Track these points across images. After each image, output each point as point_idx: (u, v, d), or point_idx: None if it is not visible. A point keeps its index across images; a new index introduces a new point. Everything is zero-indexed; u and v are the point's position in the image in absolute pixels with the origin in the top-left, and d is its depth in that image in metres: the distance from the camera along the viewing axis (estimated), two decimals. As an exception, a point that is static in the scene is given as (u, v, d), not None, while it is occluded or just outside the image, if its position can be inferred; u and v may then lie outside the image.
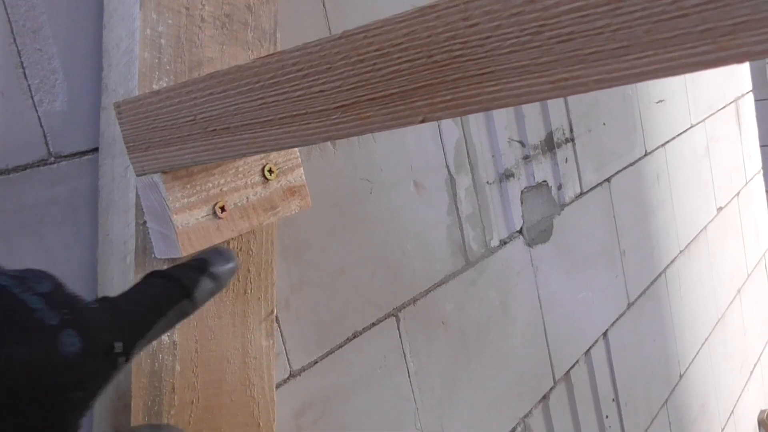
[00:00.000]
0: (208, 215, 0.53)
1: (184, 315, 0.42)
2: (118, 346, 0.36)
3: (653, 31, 0.28)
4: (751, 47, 0.26)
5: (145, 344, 0.39)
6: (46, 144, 0.54)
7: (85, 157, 0.57)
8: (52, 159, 0.54)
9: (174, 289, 0.42)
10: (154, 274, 0.43)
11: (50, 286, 0.34)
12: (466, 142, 1.00)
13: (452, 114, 0.35)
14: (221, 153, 0.46)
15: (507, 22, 0.31)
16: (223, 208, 0.54)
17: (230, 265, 0.47)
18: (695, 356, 1.75)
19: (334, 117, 0.39)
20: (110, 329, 0.36)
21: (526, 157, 1.13)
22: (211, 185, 0.54)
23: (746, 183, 2.22)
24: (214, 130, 0.45)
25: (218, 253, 0.47)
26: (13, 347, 0.31)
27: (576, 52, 0.30)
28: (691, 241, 1.76)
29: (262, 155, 0.58)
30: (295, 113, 0.40)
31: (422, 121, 0.36)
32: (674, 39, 0.27)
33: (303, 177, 0.61)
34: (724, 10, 0.26)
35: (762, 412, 2.18)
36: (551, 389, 1.15)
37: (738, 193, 2.13)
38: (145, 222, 0.53)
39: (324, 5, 0.79)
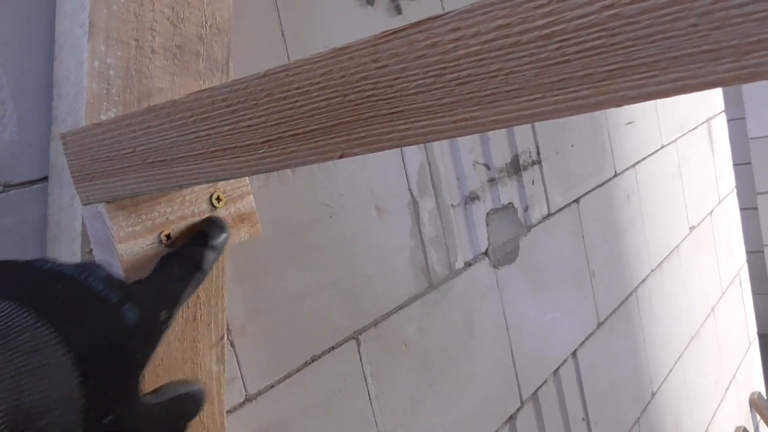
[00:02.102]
0: (153, 243, 0.54)
1: (198, 284, 0.51)
2: (164, 314, 0.45)
3: (541, 75, 0.29)
4: (627, 92, 0.27)
5: (178, 311, 0.48)
6: (-5, 174, 0.55)
7: (35, 186, 0.57)
8: (1, 188, 0.55)
9: (189, 265, 0.50)
10: (168, 257, 0.51)
11: (104, 272, 0.41)
12: (429, 166, 1.01)
13: (368, 150, 0.36)
14: (159, 184, 0.47)
15: (412, 65, 0.32)
16: (168, 236, 0.55)
17: (224, 235, 0.55)
18: (668, 374, 1.76)
19: (260, 151, 0.40)
20: (157, 301, 0.45)
21: (491, 180, 1.15)
22: (157, 214, 0.55)
23: (719, 202, 2.25)
24: (152, 162, 0.46)
25: (213, 224, 0.55)
26: (88, 322, 0.38)
27: (474, 93, 0.31)
28: (663, 260, 1.78)
29: (210, 183, 0.59)
30: (225, 147, 0.42)
31: (341, 156, 0.37)
32: (559, 83, 0.29)
33: (253, 204, 0.62)
34: (601, 57, 0.27)
35: (737, 429, 2.19)
36: (518, 410, 1.16)
37: (711, 212, 2.16)
38: (90, 250, 0.54)
39: (283, 34, 0.81)
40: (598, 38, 0.27)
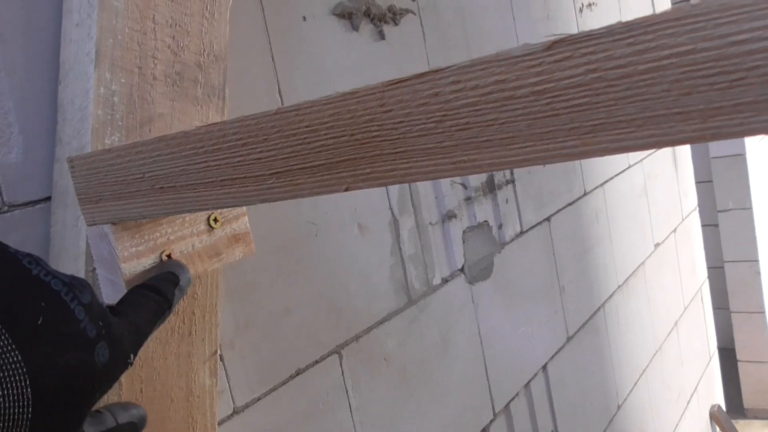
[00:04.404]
0: (155, 263, 0.57)
1: (164, 321, 0.51)
2: (131, 356, 0.43)
3: (533, 126, 0.33)
4: (609, 144, 0.31)
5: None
6: (0, 194, 0.57)
7: (38, 205, 0.60)
8: (6, 208, 0.57)
9: (162, 303, 0.50)
10: (143, 289, 0.50)
11: (89, 297, 0.40)
12: (409, 186, 1.05)
13: (372, 185, 0.39)
14: (167, 209, 0.50)
15: (416, 111, 0.36)
16: (169, 256, 0.57)
17: (188, 277, 0.55)
18: (633, 387, 1.82)
19: (269, 182, 0.43)
20: (129, 342, 0.44)
21: (467, 199, 1.19)
22: (158, 234, 0.57)
23: (683, 220, 2.33)
24: (161, 187, 0.49)
25: (180, 267, 0.55)
26: (60, 354, 0.36)
27: (472, 139, 0.35)
28: (629, 276, 1.85)
29: (209, 205, 0.62)
30: (234, 177, 0.45)
31: (346, 190, 0.40)
32: (549, 134, 0.33)
33: (247, 225, 0.65)
34: (586, 113, 0.31)
35: (699, 440, 2.26)
36: (491, 422, 1.20)
37: (675, 230, 2.24)
38: (94, 269, 0.56)
39: (273, 58, 0.84)
40: (584, 97, 0.31)
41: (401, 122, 0.37)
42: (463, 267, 1.16)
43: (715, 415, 2.40)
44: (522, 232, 1.35)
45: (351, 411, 0.90)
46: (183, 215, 0.60)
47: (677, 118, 0.29)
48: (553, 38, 0.31)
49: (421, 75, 0.35)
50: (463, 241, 1.17)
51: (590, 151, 0.32)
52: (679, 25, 0.28)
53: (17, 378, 0.34)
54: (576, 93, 0.31)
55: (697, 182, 2.82)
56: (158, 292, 0.50)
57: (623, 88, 0.30)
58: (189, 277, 0.55)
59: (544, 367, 1.39)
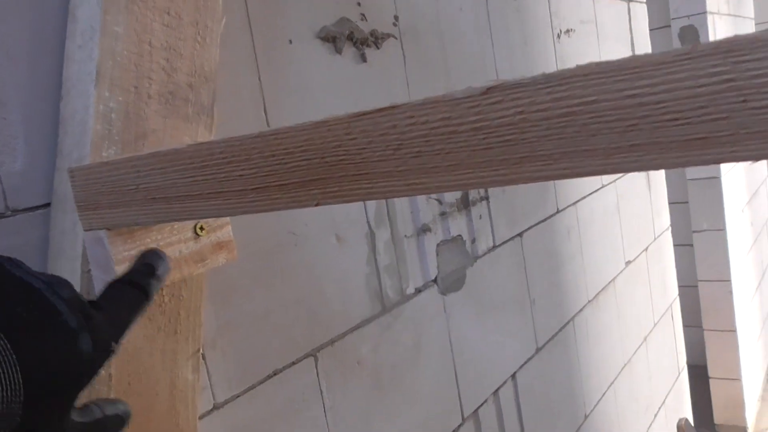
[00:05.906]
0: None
1: (144, 312, 0.53)
2: (113, 345, 0.47)
3: (471, 156, 0.39)
4: (532, 173, 0.38)
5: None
6: (5, 199, 0.62)
7: (38, 211, 0.65)
8: (9, 212, 0.63)
9: (141, 295, 0.52)
10: (119, 283, 0.53)
11: (69, 293, 0.43)
12: (386, 200, 1.11)
13: (339, 201, 0.45)
14: (158, 217, 0.55)
15: (377, 140, 0.42)
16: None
17: (166, 266, 0.58)
18: (601, 398, 1.89)
19: (250, 196, 0.49)
20: (110, 332, 0.47)
21: (442, 214, 1.25)
22: (149, 240, 0.63)
23: (655, 239, 2.41)
24: (153, 198, 0.55)
25: (158, 256, 0.58)
26: (46, 345, 0.40)
27: (423, 165, 0.41)
28: (600, 291, 1.92)
29: (196, 214, 0.68)
30: (219, 191, 0.51)
31: (317, 205, 0.46)
32: (484, 163, 0.39)
33: (231, 233, 0.71)
34: (514, 147, 0.38)
35: (666, 453, 2.33)
36: (460, 426, 1.26)
37: (646, 248, 2.32)
38: (89, 270, 0.62)
39: (260, 78, 0.90)
40: (513, 134, 0.37)
41: (364, 149, 0.43)
42: (436, 278, 1.22)
43: (682, 429, 2.47)
44: (494, 247, 1.41)
45: (325, 410, 0.95)
46: (172, 223, 0.65)
47: (585, 154, 0.36)
48: (488, 84, 0.38)
49: (382, 110, 0.42)
50: (437, 254, 1.23)
51: (517, 178, 0.38)
52: (587, 80, 0.35)
53: (9, 366, 0.37)
54: (506, 131, 0.38)
55: (674, 203, 2.91)
56: (135, 284, 0.53)
57: (543, 128, 0.36)
58: (168, 265, 0.58)
59: (513, 376, 1.45)
